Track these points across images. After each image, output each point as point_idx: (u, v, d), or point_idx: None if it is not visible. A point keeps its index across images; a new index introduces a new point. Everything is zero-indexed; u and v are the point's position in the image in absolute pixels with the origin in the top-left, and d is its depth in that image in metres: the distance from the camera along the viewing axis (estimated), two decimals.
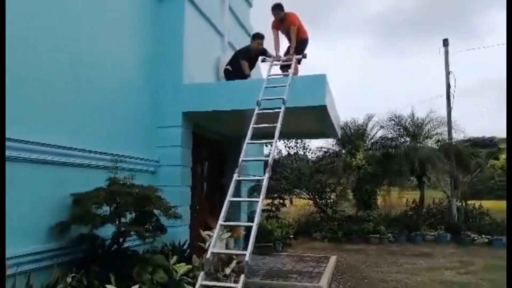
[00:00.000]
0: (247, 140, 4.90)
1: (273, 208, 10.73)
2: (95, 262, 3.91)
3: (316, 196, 12.77)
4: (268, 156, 5.82)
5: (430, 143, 12.15)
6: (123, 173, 4.44)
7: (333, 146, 13.15)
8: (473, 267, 7.58)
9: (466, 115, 32.14)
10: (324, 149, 13.08)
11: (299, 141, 13.84)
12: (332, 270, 6.98)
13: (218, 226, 4.00)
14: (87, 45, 4.72)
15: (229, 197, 4.26)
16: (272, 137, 4.96)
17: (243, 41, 9.14)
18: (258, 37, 6.57)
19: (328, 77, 5.70)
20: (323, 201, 12.90)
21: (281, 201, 10.82)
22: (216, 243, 4.25)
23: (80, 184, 4.23)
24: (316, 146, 13.73)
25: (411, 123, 11.88)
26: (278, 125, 4.83)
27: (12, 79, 3.49)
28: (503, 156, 11.11)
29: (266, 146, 13.92)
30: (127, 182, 4.31)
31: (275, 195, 10.74)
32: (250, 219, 9.39)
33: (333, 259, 7.85)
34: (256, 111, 5.16)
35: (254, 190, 9.82)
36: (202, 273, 3.54)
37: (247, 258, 3.44)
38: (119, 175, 4.35)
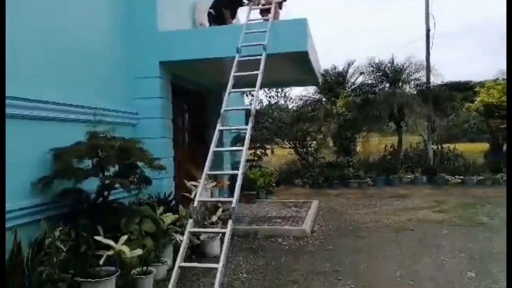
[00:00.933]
0: (229, 89, 4.80)
1: (255, 158, 10.87)
2: (82, 215, 3.90)
3: (297, 145, 12.94)
4: (250, 105, 5.73)
5: (409, 88, 12.28)
6: (103, 127, 4.32)
7: (313, 94, 13.15)
8: (446, 206, 8.01)
9: (444, 60, 32.27)
10: (304, 98, 13.06)
11: (279, 90, 13.73)
12: (314, 214, 7.26)
13: (203, 175, 4.02)
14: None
15: (212, 147, 4.25)
16: (253, 85, 4.87)
17: None
18: None
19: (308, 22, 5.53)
20: (304, 149, 13.10)
21: (263, 150, 10.92)
22: (202, 192, 4.31)
23: (59, 139, 4.12)
24: (296, 94, 13.70)
25: (391, 69, 11.88)
26: (260, 73, 4.73)
27: None
28: (478, 99, 11.38)
29: (247, 95, 13.87)
30: (108, 135, 4.21)
31: (257, 145, 10.82)
32: (234, 169, 9.51)
33: (314, 203, 8.14)
34: (236, 59, 5.01)
35: (237, 141, 9.86)
36: (190, 221, 3.61)
37: (233, 204, 3.51)
38: (99, 128, 4.24)
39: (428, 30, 12.00)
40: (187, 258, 4.82)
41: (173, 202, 5.60)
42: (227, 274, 4.26)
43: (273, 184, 10.36)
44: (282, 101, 13.81)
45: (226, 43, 5.41)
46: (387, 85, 12.01)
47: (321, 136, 13.01)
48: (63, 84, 4.44)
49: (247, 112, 11.47)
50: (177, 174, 6.50)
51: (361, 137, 13.22)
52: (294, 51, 5.39)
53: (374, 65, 11.89)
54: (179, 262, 3.25)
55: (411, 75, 12.07)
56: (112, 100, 5.33)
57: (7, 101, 3.56)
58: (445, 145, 12.69)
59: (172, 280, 3.10)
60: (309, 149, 13.10)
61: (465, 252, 4.93)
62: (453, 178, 11.09)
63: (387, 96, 11.15)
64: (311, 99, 12.80)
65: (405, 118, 11.77)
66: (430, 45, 12.06)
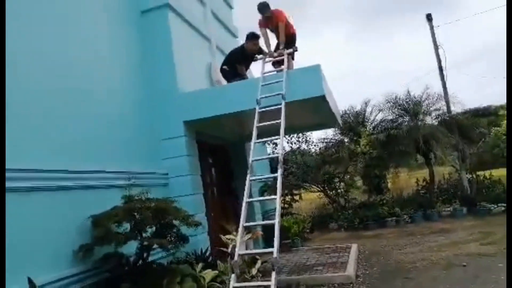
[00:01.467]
0: (254, 139, 4.90)
1: (286, 205, 10.72)
2: (123, 280, 3.88)
3: (326, 188, 12.74)
4: (273, 153, 5.79)
5: (430, 119, 12.15)
6: (137, 190, 4.43)
7: (334, 135, 13.17)
8: (495, 237, 7.52)
9: (459, 87, 32.07)
10: (326, 140, 13.06)
11: (300, 135, 13.83)
12: (355, 258, 6.94)
13: (240, 228, 3.98)
14: (80, 72, 4.72)
15: (246, 198, 4.26)
16: (275, 134, 4.96)
17: (230, 43, 9.18)
18: (254, 37, 6.49)
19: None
20: (333, 191, 12.87)
21: (293, 197, 10.79)
22: (241, 245, 4.25)
23: (96, 205, 4.22)
24: (318, 138, 13.73)
25: (409, 102, 11.87)
26: (282, 121, 4.84)
27: (24, 111, 3.67)
28: (505, 122, 11.10)
29: (269, 144, 14.01)
30: (142, 197, 4.29)
31: (286, 192, 10.71)
32: (265, 218, 9.40)
33: (354, 247, 7.82)
34: (257, 110, 5.18)
35: (264, 189, 9.83)
36: (233, 276, 3.53)
37: (275, 254, 3.44)
38: (133, 191, 4.34)
39: (439, 61, 12.12)
40: None
41: (210, 258, 5.52)
42: None
43: (307, 231, 10.10)
44: (304, 146, 13.85)
45: (245, 97, 5.63)
46: (407, 118, 11.93)
47: (349, 177, 12.82)
48: (97, 154, 4.63)
49: (271, 161, 11.67)
50: (210, 229, 6.47)
51: (390, 174, 12.91)
52: (312, 97, 5.51)
53: (391, 101, 11.93)
54: None
55: (431, 106, 12.00)
56: (143, 163, 5.50)
57: (48, 174, 3.75)
58: (479, 173, 12.21)
59: None
60: (339, 190, 12.86)
61: None
62: (495, 206, 10.50)
63: (410, 129, 11.03)
64: (333, 140, 12.78)
65: (433, 149, 11.51)
66: (444, 73, 12.11)
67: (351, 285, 5.52)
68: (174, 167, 5.95)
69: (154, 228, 4.31)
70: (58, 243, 3.76)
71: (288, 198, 10.77)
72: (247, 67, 6.78)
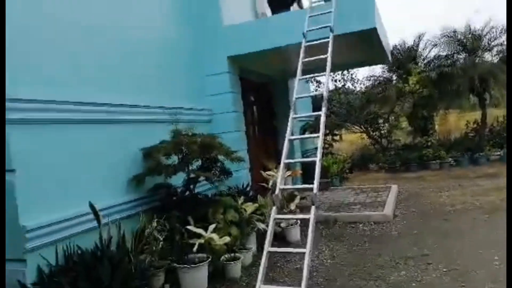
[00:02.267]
0: (298, 76, 4.79)
1: (326, 145, 10.72)
2: (173, 208, 4.21)
3: (369, 128, 12.49)
4: (316, 91, 5.64)
5: (490, 56, 11.14)
6: (183, 125, 4.60)
7: (382, 73, 12.54)
8: None
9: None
10: (373, 78, 12.51)
11: (345, 72, 13.33)
12: (394, 199, 6.99)
13: (282, 164, 4.08)
14: (125, 9, 4.64)
15: (288, 136, 4.30)
16: (321, 70, 4.79)
17: None
18: None
19: None
20: (376, 132, 12.62)
21: (334, 137, 10.73)
22: (281, 181, 4.41)
23: (147, 139, 4.46)
24: (364, 75, 13.16)
25: (468, 37, 10.86)
26: (329, 56, 4.66)
27: (87, 50, 3.85)
28: None
29: (312, 82, 13.69)
30: (189, 132, 4.47)
31: (327, 131, 10.64)
32: (304, 157, 9.54)
33: (394, 188, 7.84)
34: (303, 44, 4.99)
35: (305, 129, 9.83)
36: (274, 208, 3.71)
37: (315, 191, 3.54)
38: (180, 126, 4.51)
39: None
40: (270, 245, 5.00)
41: (251, 193, 5.78)
42: (312, 260, 4.31)
43: (347, 171, 10.17)
44: (349, 84, 13.40)
45: (291, 30, 5.39)
46: (465, 55, 11.01)
47: (393, 118, 12.42)
48: (144, 89, 4.75)
49: (314, 100, 11.48)
50: (251, 165, 6.69)
51: (439, 115, 12.33)
52: (362, 29, 5.19)
53: (448, 35, 10.96)
54: (267, 247, 3.37)
55: (492, 41, 10.90)
56: (188, 99, 5.62)
57: (108, 108, 3.98)
58: None
59: (262, 263, 3.24)
60: (382, 131, 12.59)
61: None
62: None
63: (466, 67, 10.24)
64: (380, 78, 12.21)
65: (489, 89, 10.71)
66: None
67: (388, 223, 5.64)
68: (218, 103, 6.03)
69: (200, 161, 4.53)
70: (114, 172, 4.07)
71: (328, 138, 10.72)
72: None
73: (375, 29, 5.17)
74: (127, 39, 4.57)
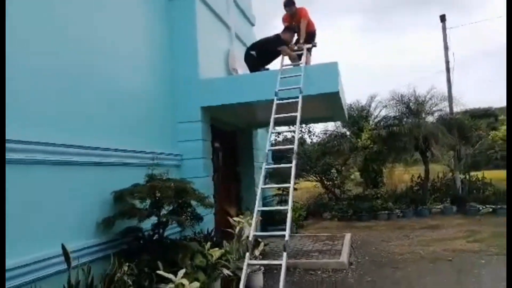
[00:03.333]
0: (271, 129, 5.23)
1: (284, 192, 11.11)
2: (142, 251, 4.25)
3: (324, 178, 13.15)
4: (274, 144, 6.08)
5: (432, 118, 12.49)
6: (157, 169, 4.76)
7: (337, 128, 13.49)
8: (481, 236, 8.01)
9: (461, 86, 32.39)
10: (329, 132, 13.40)
11: (303, 125, 14.12)
12: (349, 247, 7.40)
13: (255, 211, 4.35)
14: (106, 51, 4.82)
15: (261, 185, 4.64)
16: (288, 124, 5.26)
17: (247, 31, 9.39)
18: (292, 29, 6.65)
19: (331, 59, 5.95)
20: (330, 182, 13.30)
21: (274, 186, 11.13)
22: (251, 228, 4.66)
23: (117, 182, 4.53)
24: (320, 129, 14.05)
25: (414, 101, 12.18)
26: (299, 113, 5.16)
27: (57, 91, 3.88)
28: (503, 128, 11.47)
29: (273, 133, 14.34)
30: (163, 177, 4.63)
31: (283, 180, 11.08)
32: (264, 204, 9.84)
33: (347, 236, 8.27)
34: (275, 102, 5.47)
35: (266, 177, 10.23)
36: (247, 254, 3.92)
37: (287, 237, 3.84)
38: (148, 171, 4.66)
39: (447, 63, 12.37)
40: None
41: (215, 238, 5.90)
42: None
43: (302, 218, 10.54)
44: (306, 136, 14.19)
45: (263, 88, 5.91)
46: (411, 116, 12.26)
47: (346, 169, 13.23)
48: (119, 132, 4.87)
49: (268, 152, 12.06)
50: (216, 211, 6.84)
51: (387, 169, 13.34)
52: (327, 92, 5.81)
53: (396, 98, 12.23)
54: None
55: (434, 106, 12.32)
56: (159, 144, 5.79)
57: (79, 150, 4.05)
58: (472, 173, 12.67)
59: None
60: (335, 182, 13.29)
61: (504, 281, 4.99)
62: (484, 207, 10.99)
63: (412, 127, 11.37)
64: (335, 133, 13.12)
65: (431, 148, 11.90)
66: (451, 75, 12.40)
67: (345, 271, 5.97)
68: (189, 149, 6.25)
69: (171, 206, 4.66)
70: (85, 215, 4.10)
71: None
72: (275, 58, 6.79)
73: (337, 92, 5.80)
74: (105, 87, 4.72)
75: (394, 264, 6.27)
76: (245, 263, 3.83)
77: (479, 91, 50.23)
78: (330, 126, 13.75)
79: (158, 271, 4.00)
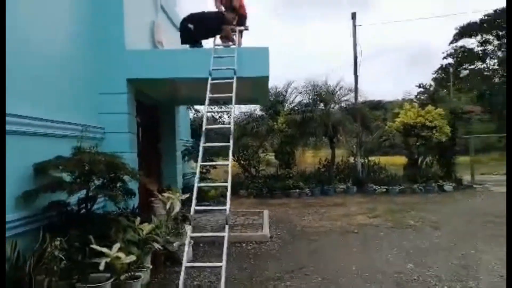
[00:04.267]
0: (206, 108, 5.28)
1: (204, 170, 11.22)
2: (70, 226, 4.02)
3: (240, 158, 13.56)
4: (228, 124, 6.14)
5: (339, 108, 13.69)
6: (72, 141, 4.49)
7: (254, 110, 13.96)
8: (378, 212, 9.19)
9: (365, 78, 35.90)
10: (247, 114, 13.78)
11: (223, 106, 14.28)
12: (268, 221, 7.88)
13: (195, 187, 4.41)
14: (23, 13, 4.32)
15: (200, 162, 4.76)
16: (220, 104, 5.35)
17: (172, 3, 9.10)
18: (236, 11, 6.55)
19: None
20: (246, 162, 13.78)
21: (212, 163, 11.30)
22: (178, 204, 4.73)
23: (35, 154, 4.16)
24: (240, 111, 14.34)
25: (325, 91, 13.19)
26: (234, 94, 5.29)
27: None
28: (398, 120, 13.12)
29: (191, 110, 14.22)
30: (91, 150, 4.39)
31: (207, 158, 11.18)
32: (184, 180, 9.92)
33: (266, 212, 8.78)
34: (209, 81, 5.51)
35: (185, 154, 10.27)
36: (190, 227, 3.99)
37: (227, 211, 4.01)
38: (67, 143, 4.37)
39: (356, 58, 13.61)
40: (163, 264, 5.14)
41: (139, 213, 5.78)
42: (209, 276, 4.66)
43: (221, 196, 10.80)
44: (226, 117, 14.39)
45: (196, 65, 5.88)
46: (322, 105, 13.26)
47: (261, 150, 13.85)
48: (38, 99, 4.45)
49: (192, 126, 12.02)
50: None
51: (298, 151, 14.29)
52: (258, 76, 6.01)
53: (311, 87, 13.08)
54: (185, 263, 3.61)
55: (342, 97, 13.54)
56: (83, 115, 5.41)
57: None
58: (371, 158, 14.31)
59: (181, 278, 3.45)
60: (251, 162, 13.82)
61: (402, 249, 5.91)
62: (379, 187, 12.56)
63: (323, 115, 12.34)
64: (254, 115, 13.56)
65: (338, 134, 13.08)
66: (358, 69, 13.70)
67: (267, 243, 6.39)
68: (113, 122, 5.93)
69: (101, 180, 4.45)
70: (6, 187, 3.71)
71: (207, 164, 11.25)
72: (214, 35, 6.61)
73: (268, 76, 6.05)
74: (24, 51, 4.23)
75: (309, 237, 6.89)
76: (188, 236, 3.90)
77: (373, 85, 55.94)
78: (244, 108, 14.17)
79: (91, 245, 3.85)
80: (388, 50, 57.93)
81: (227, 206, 4.10)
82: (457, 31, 35.61)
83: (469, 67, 36.25)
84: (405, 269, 4.92)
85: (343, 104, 13.62)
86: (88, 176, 4.23)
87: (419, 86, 36.65)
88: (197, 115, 14.64)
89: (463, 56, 36.25)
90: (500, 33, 34.88)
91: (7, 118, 3.81)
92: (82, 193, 4.38)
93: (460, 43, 36.25)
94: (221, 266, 3.54)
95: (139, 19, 6.95)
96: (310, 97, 13.20)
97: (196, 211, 4.28)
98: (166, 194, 5.73)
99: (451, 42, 36.78)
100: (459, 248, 5.87)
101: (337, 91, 13.42)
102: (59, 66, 4.99)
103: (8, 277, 3.00)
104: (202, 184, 4.75)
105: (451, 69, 26.35)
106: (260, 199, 11.74)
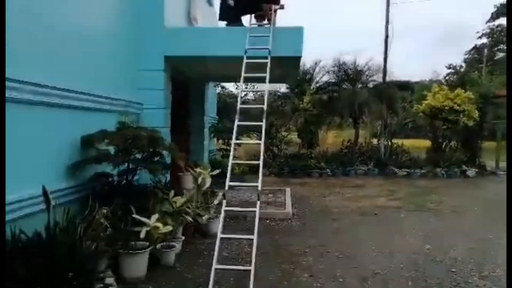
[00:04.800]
0: (241, 88, 5.47)
1: (228, 148, 11.52)
2: (114, 196, 4.37)
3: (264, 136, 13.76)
4: (255, 102, 6.30)
5: (367, 88, 13.59)
6: (115, 115, 4.75)
7: (280, 89, 14.03)
8: (399, 195, 9.32)
9: (393, 58, 35.01)
10: (272, 92, 13.87)
11: (249, 84, 14.41)
12: (290, 200, 8.14)
13: (229, 163, 4.69)
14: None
15: (234, 140, 5.02)
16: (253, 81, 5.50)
17: None
18: None
19: None
20: (270, 140, 13.98)
21: (236, 141, 11.58)
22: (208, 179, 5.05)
23: (81, 127, 4.48)
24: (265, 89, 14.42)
25: (353, 70, 13.08)
26: (267, 74, 5.44)
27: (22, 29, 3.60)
28: (425, 102, 12.96)
29: (217, 87, 14.41)
30: (134, 125, 4.68)
31: (230, 136, 11.45)
32: (210, 156, 10.26)
33: (288, 190, 9.04)
34: (244, 60, 5.65)
35: (211, 131, 10.58)
36: (224, 201, 4.29)
37: (259, 188, 4.30)
38: (111, 117, 4.64)
39: (386, 36, 13.34)
40: (192, 236, 5.51)
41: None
42: (237, 248, 5.00)
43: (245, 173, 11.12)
44: (251, 94, 14.53)
45: (232, 43, 6.02)
46: (348, 85, 13.20)
47: (284, 129, 14.00)
48: (80, 75, 4.62)
49: (218, 103, 12.24)
50: None
51: (322, 131, 14.37)
52: (292, 56, 6.11)
53: (338, 66, 13.00)
54: (219, 234, 3.92)
55: (370, 77, 13.38)
56: (123, 91, 5.68)
57: (45, 90, 3.86)
58: (394, 141, 14.28)
59: (216, 247, 3.77)
60: (274, 140, 14.01)
61: (421, 231, 6.08)
62: (400, 170, 12.61)
63: (350, 95, 12.31)
64: (279, 94, 13.64)
65: (363, 115, 13.06)
66: (388, 50, 13.44)
67: (290, 220, 6.68)
68: (150, 98, 6.20)
69: (142, 154, 4.77)
70: (55, 158, 4.06)
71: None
72: (253, 12, 6.61)
73: (300, 57, 6.14)
74: (65, 25, 4.38)
75: (331, 216, 7.14)
76: (222, 210, 4.20)
77: (401, 64, 54.26)
78: (269, 87, 14.22)
79: (133, 215, 4.20)
80: (419, 27, 55.74)
81: (259, 183, 4.35)
82: (495, 9, 33.94)
83: (505, 48, 34.69)
84: (422, 250, 5.12)
85: (370, 85, 13.48)
86: (131, 150, 4.54)
87: (449, 67, 35.60)
88: (223, 92, 14.81)
89: (499, 37, 34.71)
90: None
91: (56, 92, 4.09)
92: (124, 166, 4.71)
93: (498, 22, 34.60)
94: (252, 239, 3.82)
95: None
96: (338, 76, 13.12)
97: (230, 187, 4.53)
98: (198, 169, 6.03)
99: (488, 21, 35.16)
100: (477, 233, 6.01)
101: (365, 71, 13.27)
102: (101, 42, 5.21)
103: (61, 241, 3.35)
104: (237, 161, 4.98)
105: (485, 50, 25.28)
106: (282, 178, 11.99)
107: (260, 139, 4.81)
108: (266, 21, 6.56)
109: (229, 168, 4.67)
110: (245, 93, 14.61)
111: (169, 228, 4.32)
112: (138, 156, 4.76)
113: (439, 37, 65.23)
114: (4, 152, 2.93)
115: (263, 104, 5.60)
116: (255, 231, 3.91)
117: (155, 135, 4.64)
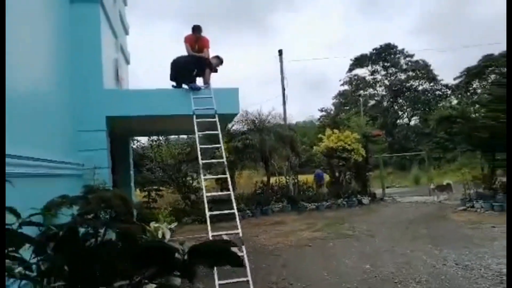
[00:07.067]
0: (198, 146, 5.94)
1: (150, 199, 11.41)
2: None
3: (182, 186, 13.93)
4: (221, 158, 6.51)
5: (273, 135, 15.04)
6: (66, 180, 4.72)
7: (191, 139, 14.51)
8: (317, 226, 10.48)
9: (261, 101, 38.72)
10: (187, 140, 14.28)
11: (161, 137, 14.54)
12: None
13: (207, 216, 5.02)
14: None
15: (205, 194, 5.50)
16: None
17: (124, 41, 9.49)
18: (220, 60, 7.31)
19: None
20: (186, 188, 14.16)
21: (158, 192, 11.58)
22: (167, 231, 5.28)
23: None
24: (175, 138, 14.76)
25: (259, 120, 14.47)
26: (219, 131, 6.02)
27: None
28: (323, 144, 14.99)
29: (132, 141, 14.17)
30: (100, 187, 4.71)
31: (152, 187, 11.42)
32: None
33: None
34: (195, 120, 6.18)
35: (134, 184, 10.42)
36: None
37: (240, 234, 4.72)
38: (48, 181, 4.59)
39: (284, 89, 15.22)
40: None
41: None
42: None
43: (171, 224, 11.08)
44: (164, 144, 14.65)
45: (175, 104, 6.49)
46: (256, 132, 14.45)
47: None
48: (23, 138, 4.50)
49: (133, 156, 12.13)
50: None
51: (237, 176, 15.18)
52: (230, 113, 6.84)
53: (245, 116, 14.26)
54: None
55: (273, 125, 14.93)
56: (61, 152, 5.51)
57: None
58: (300, 177, 15.90)
59: None
60: (191, 188, 14.23)
61: (354, 255, 7.12)
62: (310, 205, 14.05)
63: (260, 142, 13.52)
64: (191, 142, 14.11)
65: (272, 159, 14.35)
66: (285, 99, 15.29)
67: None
68: (91, 159, 6.14)
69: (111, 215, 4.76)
70: None
71: (153, 193, 11.48)
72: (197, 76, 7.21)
73: (237, 113, 6.91)
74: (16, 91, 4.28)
75: (272, 253, 7.76)
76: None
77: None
78: (183, 136, 14.66)
79: None
80: (293, 75, 63.11)
81: (239, 230, 4.80)
82: (352, 61, 41.59)
83: (363, 93, 42.07)
84: (365, 269, 6.09)
85: (275, 131, 14.98)
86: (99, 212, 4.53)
87: (321, 110, 41.56)
88: (137, 145, 14.69)
89: (357, 83, 42.55)
90: (386, 64, 41.50)
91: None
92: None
93: (354, 72, 42.48)
94: (247, 281, 4.21)
95: (108, 58, 7.27)
96: (246, 125, 14.30)
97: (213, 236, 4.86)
98: (152, 224, 6.11)
99: (347, 72, 42.75)
100: (396, 250, 7.31)
101: (269, 120, 14.76)
102: (40, 106, 5.03)
103: None
104: (214, 213, 5.37)
105: (361, 100, 30.25)
106: (205, 224, 12.17)
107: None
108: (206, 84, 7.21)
109: (207, 219, 5.01)
110: (157, 143, 14.67)
111: None
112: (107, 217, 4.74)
113: (310, 84, 74.39)
114: (4, 152, 2.86)
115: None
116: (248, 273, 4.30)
117: (123, 194, 4.72)
